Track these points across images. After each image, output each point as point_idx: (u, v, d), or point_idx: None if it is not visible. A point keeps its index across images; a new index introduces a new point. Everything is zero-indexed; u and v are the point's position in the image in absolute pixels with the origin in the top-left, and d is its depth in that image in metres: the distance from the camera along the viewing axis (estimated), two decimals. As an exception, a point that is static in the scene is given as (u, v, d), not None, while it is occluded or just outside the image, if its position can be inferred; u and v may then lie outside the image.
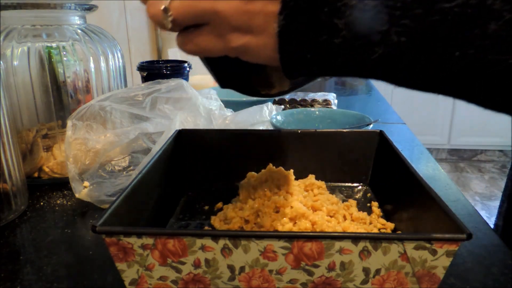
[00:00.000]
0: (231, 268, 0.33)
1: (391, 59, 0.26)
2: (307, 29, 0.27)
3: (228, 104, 0.85)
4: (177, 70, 0.91)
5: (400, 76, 0.28)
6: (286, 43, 0.28)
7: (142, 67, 0.91)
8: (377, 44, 0.26)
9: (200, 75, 1.17)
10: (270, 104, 0.80)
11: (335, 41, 0.26)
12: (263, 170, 0.53)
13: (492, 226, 0.50)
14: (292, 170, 0.54)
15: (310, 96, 1.03)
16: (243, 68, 0.36)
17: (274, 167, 0.54)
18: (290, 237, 0.32)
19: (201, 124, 0.67)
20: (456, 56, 0.25)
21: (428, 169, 0.68)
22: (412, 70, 0.27)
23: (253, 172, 0.54)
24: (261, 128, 0.74)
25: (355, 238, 0.31)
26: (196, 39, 0.31)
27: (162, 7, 0.30)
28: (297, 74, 0.30)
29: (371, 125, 0.73)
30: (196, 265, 0.33)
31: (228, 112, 0.79)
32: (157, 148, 0.57)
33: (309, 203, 0.47)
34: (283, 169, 0.54)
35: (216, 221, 0.48)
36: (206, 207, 0.53)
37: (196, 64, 1.00)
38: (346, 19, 0.26)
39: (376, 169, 0.57)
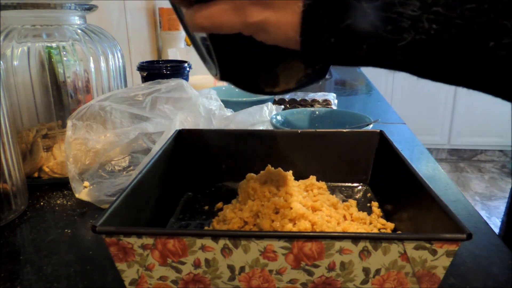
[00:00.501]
0: (231, 268, 0.33)
1: (420, 47, 0.25)
2: (334, 11, 0.25)
3: (228, 104, 0.85)
4: (177, 70, 0.91)
5: (427, 67, 0.26)
6: (310, 24, 0.26)
7: (142, 67, 0.91)
8: (407, 30, 0.24)
9: (200, 75, 1.17)
10: (270, 104, 0.80)
11: (362, 26, 0.25)
12: (262, 172, 0.53)
13: (492, 226, 0.50)
14: (291, 171, 0.54)
15: (310, 96, 1.03)
16: (254, 50, 0.33)
17: (273, 168, 0.54)
18: (290, 237, 0.32)
19: (201, 124, 0.67)
20: (490, 47, 0.24)
21: (428, 169, 0.68)
22: (441, 60, 0.25)
23: (252, 174, 0.54)
24: (261, 128, 0.74)
25: (355, 238, 0.31)
26: (210, 11, 0.29)
27: None
28: (316, 61, 0.28)
29: (371, 125, 0.73)
30: (196, 265, 0.33)
31: (228, 112, 0.79)
32: (157, 148, 0.57)
33: (309, 204, 0.47)
34: (282, 170, 0.54)
35: (215, 223, 0.47)
36: (206, 207, 0.53)
37: (196, 64, 1.00)
38: (375, 3, 0.24)
39: (376, 169, 0.57)
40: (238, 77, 0.36)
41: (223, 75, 0.35)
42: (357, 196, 0.56)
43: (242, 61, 0.35)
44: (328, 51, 0.27)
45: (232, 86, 0.38)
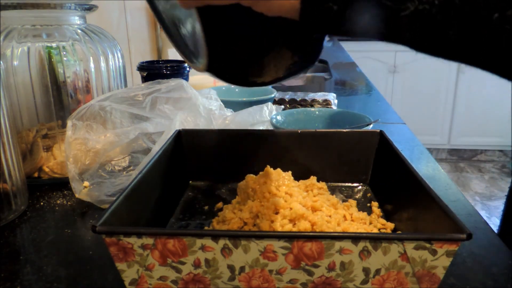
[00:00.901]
0: (231, 268, 0.33)
1: (423, 17, 0.25)
2: None
3: (228, 104, 0.85)
4: (177, 70, 0.91)
5: (429, 39, 0.26)
6: None
7: (142, 67, 0.91)
8: None
9: (200, 75, 1.16)
10: (270, 104, 0.80)
11: None
12: (261, 172, 0.53)
13: (492, 226, 0.50)
14: (290, 172, 0.54)
15: (310, 96, 1.03)
16: (246, 31, 0.31)
17: (272, 168, 0.54)
18: (290, 237, 0.32)
19: (201, 124, 0.67)
20: (495, 19, 0.23)
21: (428, 169, 0.68)
22: (444, 32, 0.25)
23: (251, 174, 0.54)
24: (261, 128, 0.74)
25: (355, 238, 0.31)
26: None
27: None
28: (315, 30, 0.28)
29: (371, 125, 0.73)
30: (196, 265, 0.33)
31: (228, 112, 0.79)
32: (157, 148, 0.57)
33: (309, 204, 0.47)
34: (281, 170, 0.54)
35: (215, 223, 0.47)
36: (206, 207, 0.53)
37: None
38: None
39: (376, 169, 0.57)
40: (226, 66, 0.33)
41: (211, 63, 0.32)
42: (357, 196, 0.56)
43: (234, 45, 0.32)
44: (330, 20, 0.26)
45: (219, 80, 0.35)
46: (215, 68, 0.33)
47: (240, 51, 0.33)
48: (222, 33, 0.31)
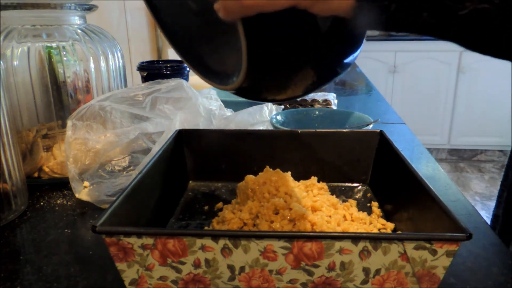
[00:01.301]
0: (231, 268, 0.33)
1: (481, 17, 0.25)
2: None
3: (228, 104, 0.85)
4: (177, 70, 0.91)
5: (483, 38, 0.26)
6: None
7: (142, 67, 0.91)
8: None
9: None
10: (270, 104, 0.80)
11: None
12: (260, 173, 0.53)
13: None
14: (289, 172, 0.54)
15: (310, 96, 1.03)
16: (300, 32, 0.29)
17: (271, 169, 0.54)
18: (290, 237, 0.32)
19: (201, 124, 0.67)
20: None
21: (428, 169, 0.68)
22: (500, 32, 0.25)
23: (251, 175, 0.54)
24: (261, 128, 0.74)
25: (355, 238, 0.31)
26: None
27: None
28: (367, 27, 0.28)
29: (371, 125, 0.73)
30: (196, 265, 0.33)
31: (228, 112, 0.79)
32: (157, 148, 0.57)
33: (309, 204, 0.47)
34: (280, 171, 0.53)
35: (215, 223, 0.47)
36: (206, 207, 0.53)
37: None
38: None
39: (376, 169, 0.57)
40: (262, 79, 0.32)
41: (249, 73, 0.30)
42: (357, 196, 0.56)
43: (271, 59, 0.30)
44: (388, 17, 0.27)
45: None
46: (245, 86, 0.32)
47: (275, 66, 0.31)
48: (262, 46, 0.30)
